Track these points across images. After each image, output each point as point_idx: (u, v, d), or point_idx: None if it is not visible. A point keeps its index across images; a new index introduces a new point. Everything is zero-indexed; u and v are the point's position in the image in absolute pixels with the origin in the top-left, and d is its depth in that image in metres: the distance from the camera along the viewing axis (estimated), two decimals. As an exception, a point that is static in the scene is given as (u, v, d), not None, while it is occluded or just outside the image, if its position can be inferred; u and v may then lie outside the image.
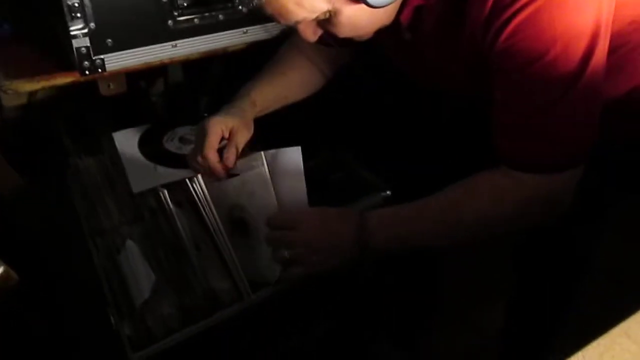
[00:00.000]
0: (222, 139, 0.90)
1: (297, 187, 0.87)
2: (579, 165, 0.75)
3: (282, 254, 0.79)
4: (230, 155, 0.88)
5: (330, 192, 0.92)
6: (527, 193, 0.76)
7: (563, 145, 0.74)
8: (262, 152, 0.88)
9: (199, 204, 0.84)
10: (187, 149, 1.02)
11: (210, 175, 0.88)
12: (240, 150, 0.90)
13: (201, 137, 0.88)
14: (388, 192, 0.90)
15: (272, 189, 0.86)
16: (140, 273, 0.81)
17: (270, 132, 0.96)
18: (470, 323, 0.92)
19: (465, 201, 0.77)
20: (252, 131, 0.93)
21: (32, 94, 1.00)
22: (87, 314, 0.82)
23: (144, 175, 0.95)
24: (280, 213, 0.83)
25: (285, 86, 0.99)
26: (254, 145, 0.96)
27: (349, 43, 0.81)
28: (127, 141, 1.01)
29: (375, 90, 1.07)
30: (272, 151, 0.90)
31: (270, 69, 1.00)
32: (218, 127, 0.89)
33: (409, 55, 0.87)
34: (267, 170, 0.87)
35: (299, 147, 0.88)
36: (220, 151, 0.89)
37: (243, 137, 0.92)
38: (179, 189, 0.90)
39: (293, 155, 0.89)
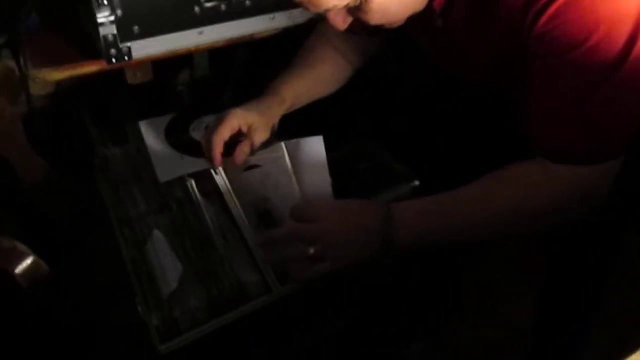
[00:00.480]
0: (241, 133, 0.89)
1: (320, 178, 0.85)
2: (617, 157, 0.73)
3: (304, 248, 0.76)
4: (241, 153, 0.88)
5: (355, 183, 0.90)
6: (562, 186, 0.73)
7: (602, 135, 0.71)
8: (283, 142, 0.87)
9: (224, 195, 0.85)
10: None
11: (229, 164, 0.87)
12: (255, 148, 0.89)
13: (216, 123, 0.88)
14: (416, 182, 0.87)
15: (295, 180, 0.85)
16: (167, 263, 0.81)
17: (292, 121, 0.94)
18: (497, 317, 0.89)
19: (498, 194, 0.74)
20: (271, 131, 0.91)
21: (59, 82, 0.99)
22: (115, 304, 0.82)
23: (171, 164, 0.94)
24: (300, 205, 0.81)
25: (315, 81, 0.98)
26: (275, 134, 0.95)
27: (379, 31, 0.80)
28: (153, 130, 1.00)
29: (401, 78, 1.05)
30: (294, 141, 0.88)
31: (299, 63, 0.98)
32: (236, 119, 0.88)
33: (438, 42, 0.85)
34: (288, 160, 0.85)
35: (321, 137, 0.86)
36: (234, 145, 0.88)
37: (260, 136, 0.90)
38: (206, 179, 0.89)
39: (315, 145, 0.87)
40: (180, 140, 1.00)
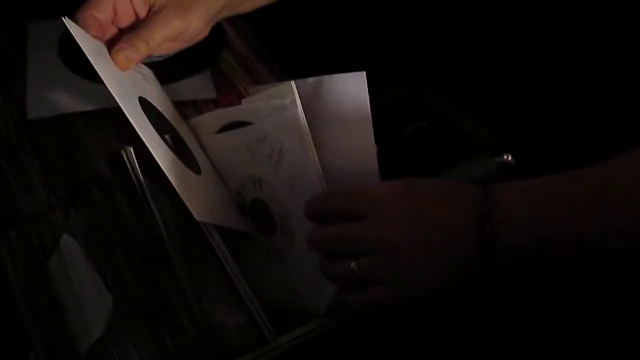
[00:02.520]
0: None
1: (358, 144, 0.66)
2: None
3: (343, 265, 0.59)
4: (130, 49, 0.65)
5: (403, 153, 0.72)
6: None
7: None
8: (293, 82, 0.66)
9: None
10: None
11: None
12: (154, 48, 0.67)
13: None
14: (508, 157, 0.68)
15: (313, 147, 0.65)
16: (86, 293, 0.64)
17: (291, 48, 0.77)
18: None
19: None
20: (192, 25, 0.69)
21: None
22: None
23: (58, 97, 0.77)
24: (326, 195, 0.63)
25: None
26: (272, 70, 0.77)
27: None
28: (43, 40, 0.82)
29: None
30: (312, 80, 0.68)
31: None
32: None
33: None
34: (301, 112, 0.64)
35: (362, 73, 0.65)
36: None
37: (169, 26, 0.68)
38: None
39: (352, 87, 0.66)
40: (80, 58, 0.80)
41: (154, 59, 0.79)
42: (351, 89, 0.66)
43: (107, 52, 0.68)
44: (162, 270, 0.66)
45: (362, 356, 0.66)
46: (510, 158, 0.68)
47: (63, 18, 0.62)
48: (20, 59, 0.84)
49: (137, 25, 0.69)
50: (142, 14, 0.69)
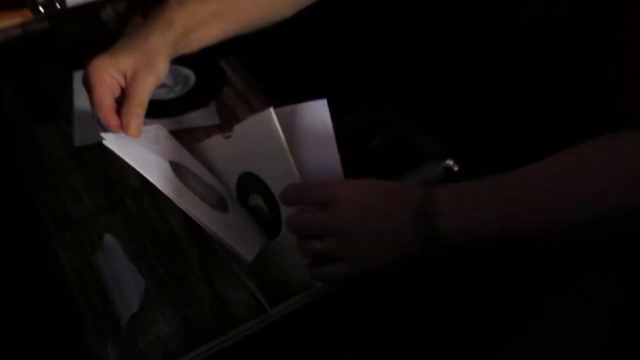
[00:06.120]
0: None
1: (326, 154, 0.76)
2: None
3: (311, 245, 0.69)
4: (132, 117, 0.74)
5: (369, 163, 0.83)
6: None
7: None
8: (272, 108, 0.76)
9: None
10: (165, 93, 0.94)
11: None
12: (146, 104, 0.76)
13: (87, 90, 0.75)
14: (450, 162, 0.80)
15: (292, 160, 0.75)
16: (125, 278, 0.74)
17: (278, 81, 0.87)
18: (561, 351, 0.81)
19: (583, 178, 0.65)
20: (161, 74, 0.78)
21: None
22: (57, 336, 0.74)
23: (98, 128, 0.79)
24: (303, 185, 0.72)
25: None
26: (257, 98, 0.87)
27: None
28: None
29: (425, 15, 0.94)
30: (287, 108, 0.79)
31: None
32: (103, 72, 0.74)
33: None
34: (281, 133, 0.75)
35: (324, 101, 0.76)
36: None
37: (146, 84, 0.76)
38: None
39: (316, 112, 0.77)
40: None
41: (171, 96, 0.93)
42: (317, 113, 0.76)
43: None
44: (182, 261, 0.76)
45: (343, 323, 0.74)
46: (453, 163, 0.80)
47: (104, 142, 0.69)
48: (67, 101, 0.92)
49: (125, 95, 0.75)
50: (123, 83, 0.76)
